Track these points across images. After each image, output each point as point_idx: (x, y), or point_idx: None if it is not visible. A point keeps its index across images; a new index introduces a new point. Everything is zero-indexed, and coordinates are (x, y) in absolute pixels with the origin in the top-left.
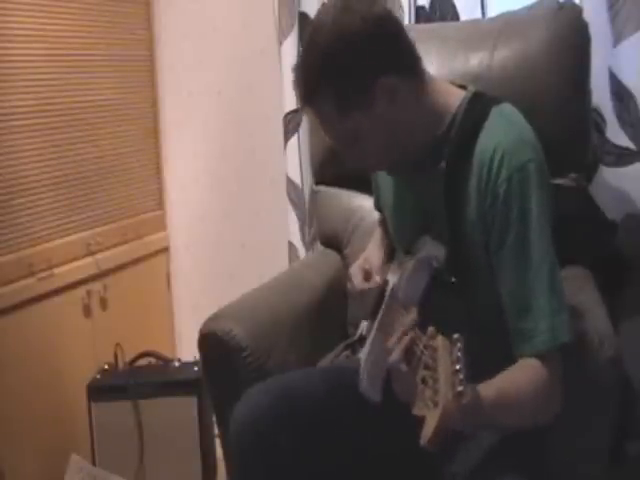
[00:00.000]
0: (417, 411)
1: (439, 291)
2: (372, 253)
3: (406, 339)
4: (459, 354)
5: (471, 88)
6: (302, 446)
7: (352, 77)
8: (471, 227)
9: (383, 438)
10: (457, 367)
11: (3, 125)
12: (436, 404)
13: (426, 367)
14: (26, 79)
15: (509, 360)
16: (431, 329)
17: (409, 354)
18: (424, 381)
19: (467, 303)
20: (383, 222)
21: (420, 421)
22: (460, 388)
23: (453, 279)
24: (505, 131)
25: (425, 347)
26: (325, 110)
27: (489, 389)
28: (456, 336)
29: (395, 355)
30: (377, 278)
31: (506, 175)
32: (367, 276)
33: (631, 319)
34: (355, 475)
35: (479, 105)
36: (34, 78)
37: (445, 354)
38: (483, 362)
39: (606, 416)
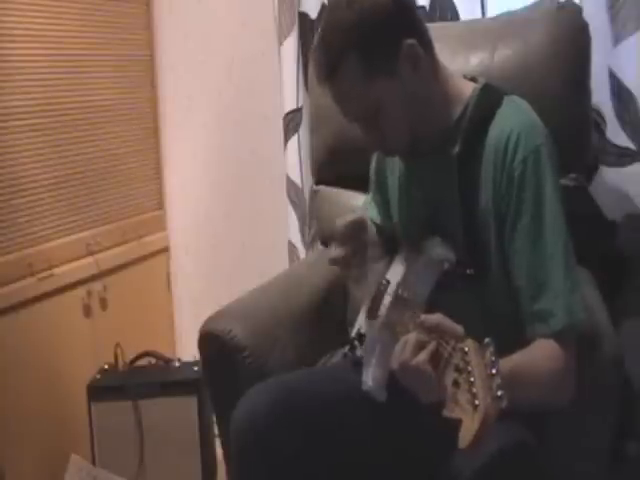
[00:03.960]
0: (449, 413)
1: (451, 286)
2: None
3: (433, 340)
4: (493, 358)
5: (482, 80)
6: (302, 446)
7: (377, 40)
8: (484, 214)
9: (384, 437)
10: (493, 371)
11: (3, 125)
12: (475, 407)
13: (457, 370)
14: (26, 79)
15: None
16: (459, 330)
17: (435, 355)
18: (456, 384)
19: (480, 295)
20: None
21: (437, 420)
22: (499, 392)
23: (469, 271)
24: (518, 117)
25: (454, 349)
26: (350, 79)
27: (506, 364)
28: (487, 340)
29: (422, 356)
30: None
31: (521, 157)
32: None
33: (631, 319)
34: (355, 475)
35: (491, 94)
36: (34, 78)
37: (477, 357)
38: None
39: (606, 416)
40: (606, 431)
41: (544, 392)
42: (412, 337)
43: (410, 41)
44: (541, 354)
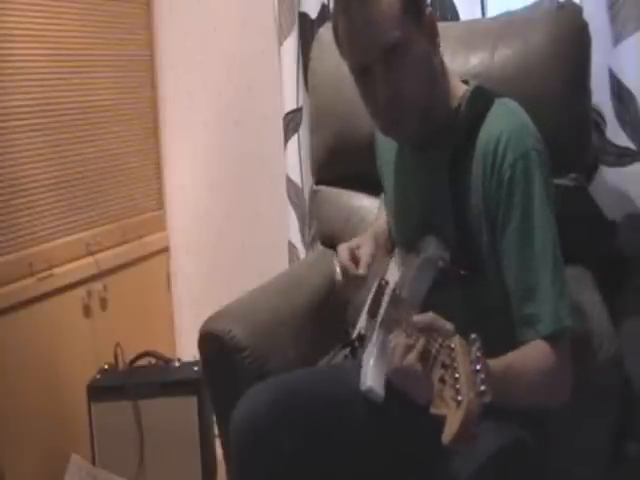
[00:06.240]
0: (435, 410)
1: (446, 285)
2: (364, 241)
3: (421, 339)
4: (478, 354)
5: (474, 82)
6: (302, 446)
7: None
8: (476, 216)
9: (383, 439)
10: (477, 367)
11: (3, 125)
12: (459, 403)
13: (443, 366)
14: (26, 79)
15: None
16: (449, 328)
17: (424, 353)
18: (442, 380)
19: (474, 296)
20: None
21: (436, 420)
22: (483, 387)
23: (462, 271)
24: (509, 119)
25: (441, 346)
26: (387, 5)
27: (500, 362)
28: (473, 336)
29: (411, 357)
30: (361, 270)
31: (511, 161)
32: (354, 260)
33: (631, 319)
34: (355, 475)
35: (483, 96)
36: (34, 78)
37: (464, 354)
38: (488, 355)
39: (606, 416)
40: (606, 432)
41: (536, 391)
42: (400, 342)
43: (431, 13)
44: (533, 355)
